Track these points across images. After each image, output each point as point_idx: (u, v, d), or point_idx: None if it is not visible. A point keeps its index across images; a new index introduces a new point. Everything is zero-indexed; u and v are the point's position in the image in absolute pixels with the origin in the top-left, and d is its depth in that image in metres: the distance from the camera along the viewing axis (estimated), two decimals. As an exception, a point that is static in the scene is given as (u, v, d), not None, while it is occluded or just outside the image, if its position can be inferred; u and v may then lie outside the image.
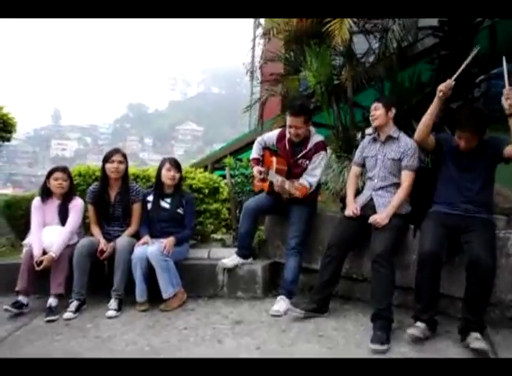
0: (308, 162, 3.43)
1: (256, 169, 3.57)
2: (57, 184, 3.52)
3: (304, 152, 3.45)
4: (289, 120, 3.40)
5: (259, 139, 3.74)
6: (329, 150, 4.33)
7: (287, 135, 3.51)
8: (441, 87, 2.90)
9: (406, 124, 3.70)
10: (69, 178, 3.59)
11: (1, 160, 70.09)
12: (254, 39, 4.96)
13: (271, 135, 3.69)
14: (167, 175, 3.61)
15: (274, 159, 3.48)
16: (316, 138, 3.49)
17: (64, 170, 3.60)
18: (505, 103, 2.77)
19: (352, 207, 3.21)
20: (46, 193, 3.57)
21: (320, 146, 3.45)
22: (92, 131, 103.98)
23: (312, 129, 3.53)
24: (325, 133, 4.66)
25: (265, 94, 4.51)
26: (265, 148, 3.69)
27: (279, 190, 3.31)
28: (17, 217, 4.50)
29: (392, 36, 4.01)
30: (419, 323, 2.79)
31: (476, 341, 2.58)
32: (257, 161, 3.67)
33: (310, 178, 3.39)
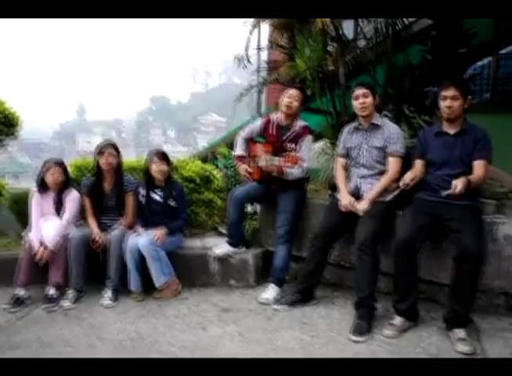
0: (294, 145, 3.46)
1: (243, 168, 3.59)
2: (51, 177, 3.60)
3: (289, 134, 3.50)
4: (291, 91, 3.51)
5: (241, 134, 3.75)
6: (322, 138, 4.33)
7: (274, 120, 3.58)
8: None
9: (397, 108, 3.64)
10: (64, 172, 3.67)
11: (28, 156, 71.94)
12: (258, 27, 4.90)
13: (255, 126, 3.71)
14: (157, 170, 3.65)
15: (259, 145, 3.54)
16: (301, 122, 3.55)
17: (59, 164, 3.67)
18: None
19: (346, 200, 3.11)
20: (42, 186, 3.66)
21: (306, 130, 3.49)
22: (116, 125, 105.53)
23: (299, 116, 3.59)
24: (319, 119, 4.63)
25: (257, 82, 4.47)
26: (250, 140, 3.72)
27: (267, 170, 3.35)
28: (24, 211, 4.65)
29: (384, 19, 3.92)
30: (396, 320, 2.79)
31: (460, 343, 2.55)
32: (242, 159, 3.68)
33: (301, 162, 3.38)
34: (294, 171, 3.38)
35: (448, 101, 2.80)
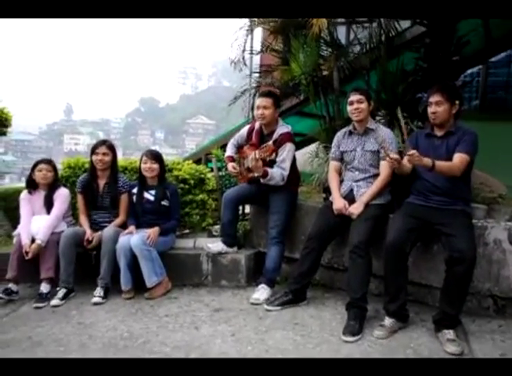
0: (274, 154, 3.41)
1: (230, 165, 3.63)
2: (41, 175, 3.63)
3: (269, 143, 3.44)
4: (258, 101, 3.48)
5: (232, 139, 3.79)
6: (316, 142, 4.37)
7: (256, 126, 3.58)
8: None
9: (391, 113, 3.69)
10: (53, 170, 3.69)
11: (14, 156, 71.03)
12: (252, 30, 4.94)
13: (242, 133, 3.73)
14: (144, 168, 3.67)
15: (246, 147, 3.57)
16: (282, 129, 3.47)
17: (49, 162, 3.72)
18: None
19: (340, 204, 3.13)
20: (32, 185, 3.68)
21: (285, 138, 3.41)
22: (104, 126, 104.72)
23: (280, 120, 3.56)
24: (313, 123, 4.68)
25: (251, 86, 4.50)
26: (239, 147, 3.73)
27: (253, 168, 3.30)
28: (12, 208, 4.61)
29: (378, 26, 3.99)
30: (386, 321, 2.81)
31: (449, 343, 2.57)
32: (232, 158, 3.70)
33: (281, 170, 3.37)
34: (276, 177, 3.33)
35: (433, 107, 2.84)
